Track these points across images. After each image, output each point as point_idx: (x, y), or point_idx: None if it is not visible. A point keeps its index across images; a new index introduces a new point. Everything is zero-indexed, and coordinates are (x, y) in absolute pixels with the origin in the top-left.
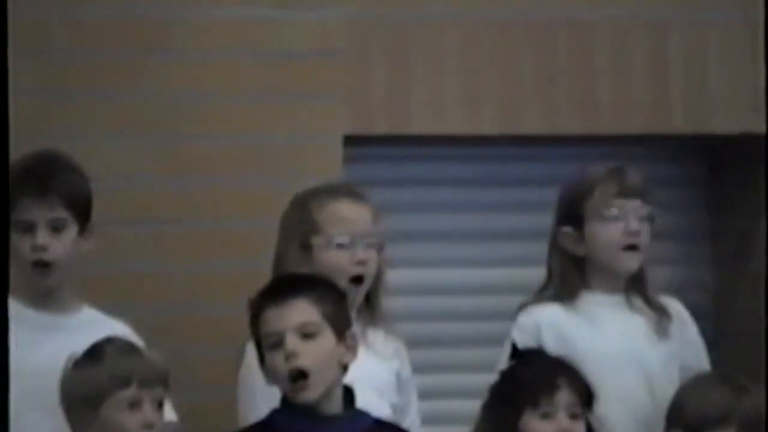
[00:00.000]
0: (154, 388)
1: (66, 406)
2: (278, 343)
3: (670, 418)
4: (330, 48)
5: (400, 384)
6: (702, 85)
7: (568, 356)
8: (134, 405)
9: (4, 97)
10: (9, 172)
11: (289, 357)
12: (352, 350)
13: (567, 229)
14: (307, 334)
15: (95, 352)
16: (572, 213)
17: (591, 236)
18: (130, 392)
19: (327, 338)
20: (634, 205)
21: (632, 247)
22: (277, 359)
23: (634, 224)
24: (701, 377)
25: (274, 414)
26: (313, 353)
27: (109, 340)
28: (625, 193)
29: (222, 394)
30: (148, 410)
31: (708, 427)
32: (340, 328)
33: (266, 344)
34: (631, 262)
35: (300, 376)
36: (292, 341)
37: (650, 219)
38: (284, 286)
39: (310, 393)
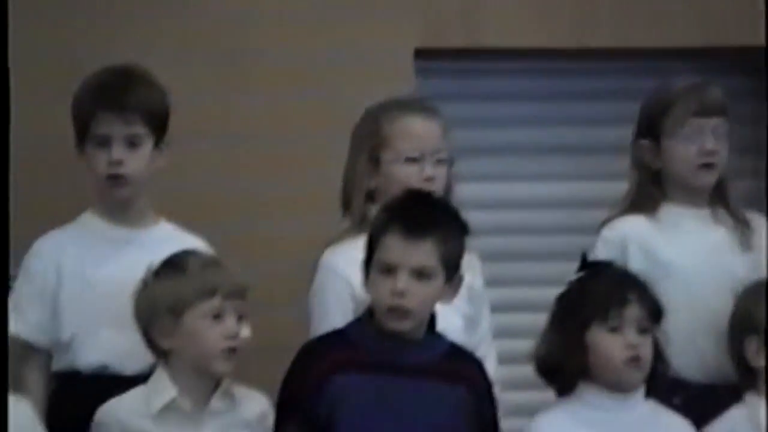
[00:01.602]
0: (236, 301)
1: (146, 316)
2: (390, 272)
3: (742, 326)
4: None
5: (471, 295)
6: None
7: (652, 270)
8: (217, 316)
9: (5, 96)
10: (83, 86)
11: (396, 294)
12: (455, 290)
13: (644, 142)
14: (421, 275)
15: (178, 263)
16: (651, 127)
17: (668, 151)
18: (215, 303)
19: (437, 281)
20: (713, 123)
21: (708, 166)
22: (383, 286)
23: (710, 143)
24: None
25: (353, 325)
26: (421, 295)
27: (191, 252)
28: (703, 111)
29: (293, 310)
30: (230, 322)
31: None
32: (452, 270)
33: (379, 267)
34: (706, 179)
35: (401, 311)
36: (404, 280)
37: (728, 135)
38: (416, 217)
39: (404, 325)
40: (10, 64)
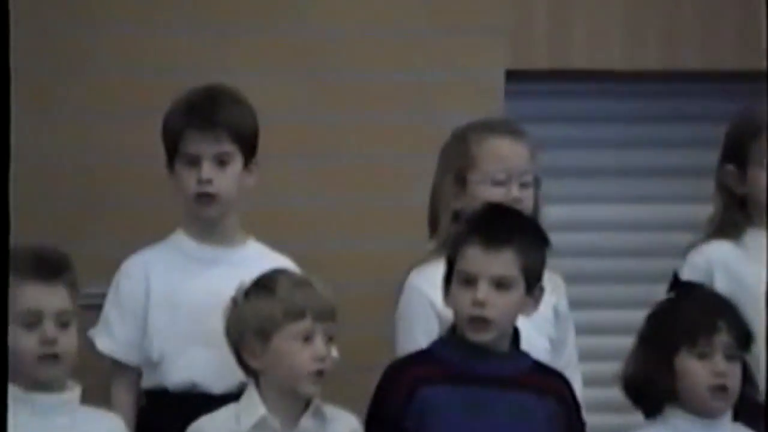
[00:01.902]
0: (326, 322)
1: (235, 336)
2: (470, 283)
3: None
4: None
5: (557, 318)
6: None
7: (736, 294)
8: (307, 338)
9: (5, 96)
10: (174, 105)
11: (477, 303)
12: (537, 302)
13: (730, 168)
14: (501, 285)
15: (268, 283)
16: (737, 152)
17: (753, 178)
18: (304, 325)
19: (518, 291)
20: None
21: None
22: (463, 298)
23: None
24: None
25: (437, 343)
26: (502, 305)
27: (281, 272)
28: None
29: (378, 329)
30: (319, 344)
31: None
32: (534, 280)
33: (459, 278)
34: None
35: (482, 321)
36: (484, 290)
37: None
38: (496, 228)
39: (486, 336)
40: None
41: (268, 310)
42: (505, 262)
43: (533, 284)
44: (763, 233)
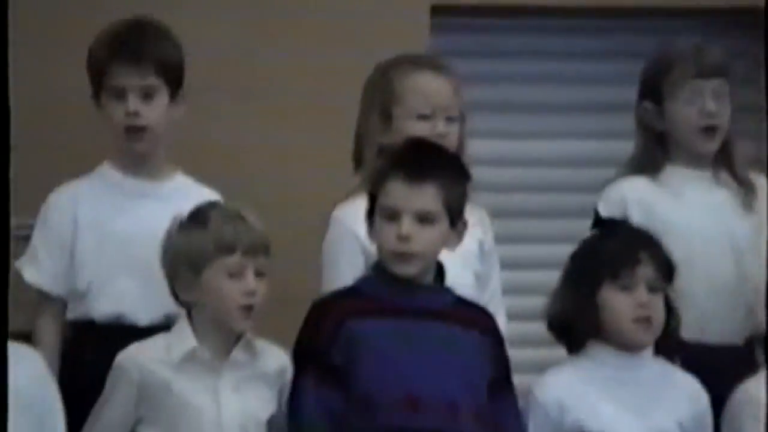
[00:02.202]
0: (257, 257)
1: (168, 269)
2: (394, 218)
3: None
4: None
5: (482, 253)
6: None
7: (652, 229)
8: (237, 273)
9: (5, 96)
10: (99, 38)
11: (401, 239)
12: (460, 236)
13: (648, 104)
14: (424, 220)
15: (201, 217)
16: (653, 89)
17: (669, 114)
18: (234, 260)
19: (441, 225)
20: (712, 85)
21: (710, 129)
22: (388, 233)
23: (710, 105)
24: None
25: (363, 280)
26: (426, 239)
27: (216, 205)
28: (703, 73)
29: (305, 263)
30: (250, 279)
31: None
32: (456, 215)
33: (382, 213)
34: (708, 144)
35: (407, 255)
36: (408, 224)
37: (730, 96)
38: (418, 162)
39: (411, 269)
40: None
41: (199, 244)
42: (427, 196)
43: (456, 219)
44: (684, 169)
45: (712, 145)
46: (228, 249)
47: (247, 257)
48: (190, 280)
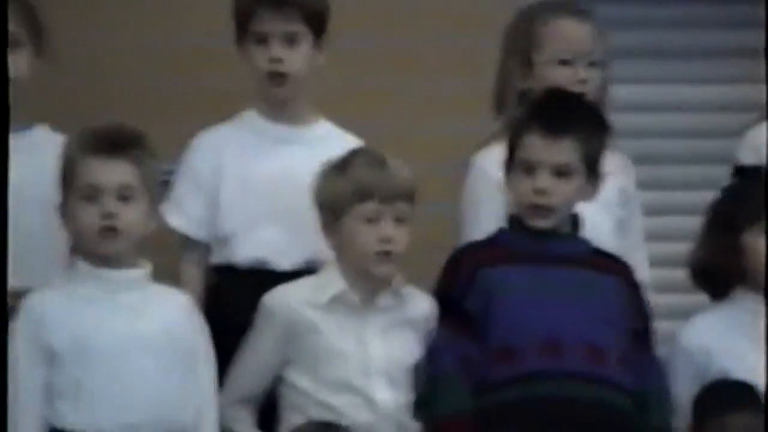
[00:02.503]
0: (396, 203)
1: (319, 213)
2: (531, 171)
3: None
4: None
5: (624, 199)
6: None
7: None
8: (373, 219)
9: (5, 96)
10: None
11: (538, 192)
12: (596, 188)
13: None
14: (561, 173)
15: (342, 163)
16: None
17: None
18: (371, 206)
19: (578, 179)
20: None
21: None
22: (525, 185)
23: None
24: None
25: (498, 232)
26: (562, 193)
27: (359, 152)
28: None
29: (448, 210)
30: (387, 225)
31: None
32: (594, 167)
33: (520, 165)
34: None
35: (543, 209)
36: (545, 178)
37: None
38: (556, 115)
39: (547, 222)
40: None
41: (338, 190)
42: (565, 150)
43: (593, 171)
44: None
45: None
46: (365, 195)
47: (384, 204)
48: (333, 225)
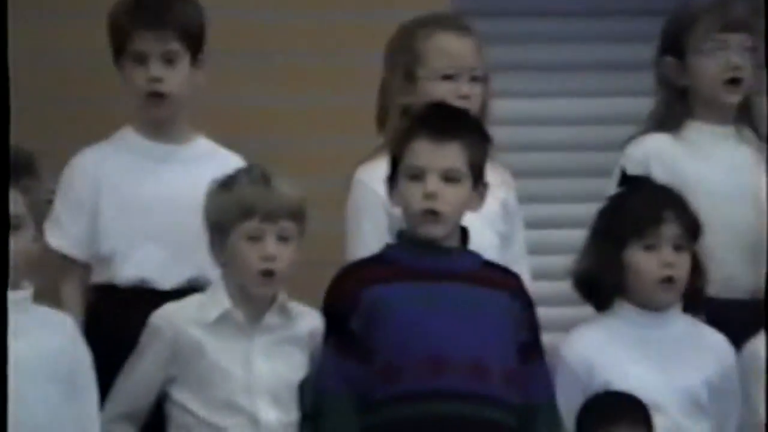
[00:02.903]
0: (278, 222)
1: (206, 230)
2: (419, 177)
3: None
4: None
5: (506, 213)
6: None
7: (676, 186)
8: (256, 237)
9: (5, 95)
10: (122, 3)
11: (428, 197)
12: (482, 198)
13: (669, 59)
14: (449, 179)
15: (229, 181)
16: (675, 43)
17: (693, 68)
18: (253, 224)
19: (466, 185)
20: (737, 39)
21: (734, 81)
22: (413, 192)
23: (735, 58)
24: None
25: (386, 248)
26: (451, 198)
27: (246, 170)
28: (728, 26)
29: (332, 226)
30: (269, 243)
31: None
32: (479, 176)
33: (407, 173)
34: (732, 96)
35: (432, 214)
36: (434, 182)
37: (754, 50)
38: (442, 122)
39: (437, 230)
40: None
41: (223, 208)
42: (453, 154)
43: (478, 180)
44: (706, 125)
45: (736, 98)
46: (247, 213)
47: (266, 222)
48: (220, 243)
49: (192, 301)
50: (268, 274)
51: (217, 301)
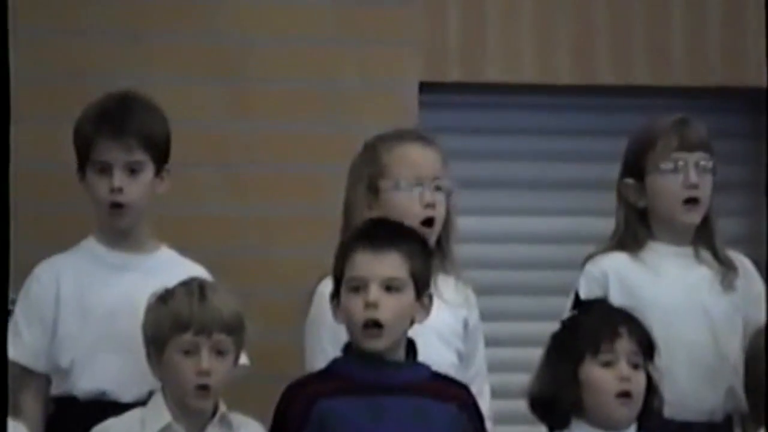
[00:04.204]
0: (212, 336)
1: (144, 345)
2: (361, 288)
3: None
4: None
5: (467, 332)
6: None
7: (632, 307)
8: (191, 351)
9: (5, 95)
10: (85, 113)
11: (369, 307)
12: (427, 310)
13: (629, 181)
14: (390, 288)
15: (166, 294)
16: (635, 165)
17: (651, 189)
18: (187, 338)
19: (408, 295)
20: (695, 158)
21: (692, 201)
22: (355, 304)
23: (693, 177)
24: None
25: (335, 362)
26: (393, 308)
27: (185, 283)
28: (685, 146)
29: (291, 336)
30: (204, 357)
31: None
32: (422, 286)
33: (348, 285)
34: (690, 216)
35: (374, 325)
36: (375, 292)
37: (713, 171)
38: (381, 234)
39: (380, 343)
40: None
41: (159, 321)
42: (393, 263)
43: (422, 290)
44: (665, 246)
45: (695, 217)
46: (181, 326)
47: (200, 335)
48: (156, 358)
49: (133, 415)
50: (203, 388)
51: (157, 415)
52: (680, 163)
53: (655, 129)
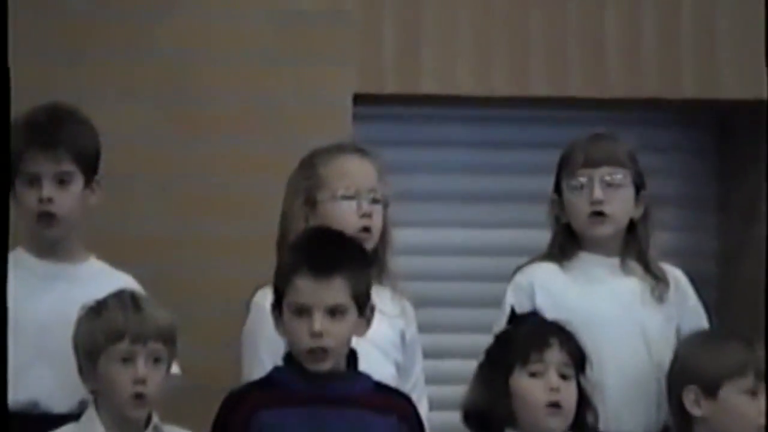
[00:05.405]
0: (148, 344)
1: (76, 357)
2: (305, 314)
3: (681, 376)
4: (341, 8)
5: (404, 344)
6: (712, 51)
7: (558, 315)
8: (126, 360)
9: (5, 95)
10: (14, 124)
11: (314, 335)
12: (369, 323)
13: (553, 197)
14: (335, 313)
15: (98, 305)
16: (556, 181)
17: (566, 204)
18: (123, 346)
19: (351, 316)
20: (600, 173)
21: (598, 214)
22: (300, 329)
23: (597, 193)
24: (704, 335)
25: (275, 371)
26: (338, 333)
27: (116, 293)
28: (589, 162)
29: (229, 352)
30: (140, 366)
31: (726, 380)
32: (364, 304)
33: (292, 308)
34: (598, 229)
35: (320, 350)
36: (320, 320)
37: (636, 183)
38: (322, 255)
39: (325, 365)
40: None
41: (92, 332)
42: (337, 290)
43: (364, 306)
44: (593, 256)
45: (602, 230)
46: (117, 335)
47: (136, 344)
48: (89, 369)
49: (67, 430)
50: (139, 396)
51: (90, 428)
52: (583, 179)
53: (569, 146)
